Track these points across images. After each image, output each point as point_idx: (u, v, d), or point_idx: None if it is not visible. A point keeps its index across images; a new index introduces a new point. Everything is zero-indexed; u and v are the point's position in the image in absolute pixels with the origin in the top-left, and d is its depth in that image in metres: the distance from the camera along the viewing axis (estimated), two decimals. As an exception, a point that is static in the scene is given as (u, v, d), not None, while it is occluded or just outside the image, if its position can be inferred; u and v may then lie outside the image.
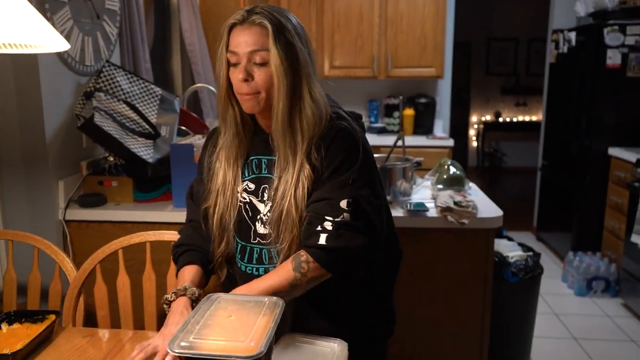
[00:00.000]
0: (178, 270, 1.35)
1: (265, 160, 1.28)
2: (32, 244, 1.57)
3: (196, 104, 3.41)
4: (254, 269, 1.30)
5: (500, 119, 8.03)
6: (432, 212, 1.97)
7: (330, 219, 1.15)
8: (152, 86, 2.28)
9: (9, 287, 1.56)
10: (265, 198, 1.27)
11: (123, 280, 1.56)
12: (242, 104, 1.21)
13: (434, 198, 2.09)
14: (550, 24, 4.60)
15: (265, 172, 1.28)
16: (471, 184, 2.41)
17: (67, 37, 2.02)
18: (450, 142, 4.13)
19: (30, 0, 1.80)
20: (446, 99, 4.64)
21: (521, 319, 2.20)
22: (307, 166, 1.18)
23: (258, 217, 1.28)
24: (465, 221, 1.90)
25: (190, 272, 1.31)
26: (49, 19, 1.91)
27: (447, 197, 1.98)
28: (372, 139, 4.14)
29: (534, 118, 7.90)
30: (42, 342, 1.30)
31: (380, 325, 1.41)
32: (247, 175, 1.30)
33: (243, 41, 1.14)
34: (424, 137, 4.25)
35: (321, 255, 1.15)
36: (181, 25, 3.25)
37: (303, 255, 1.16)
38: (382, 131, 4.42)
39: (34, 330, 1.32)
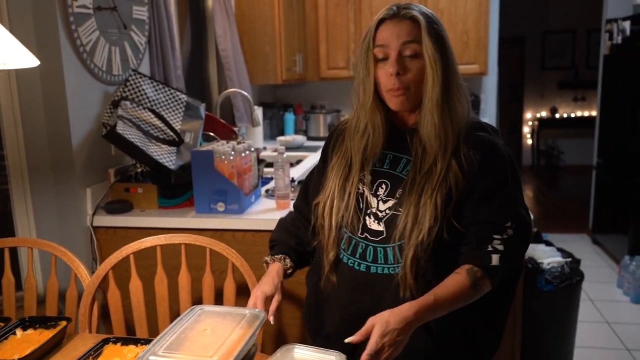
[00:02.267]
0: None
1: (391, 156, 1.26)
2: (50, 252, 1.61)
3: (230, 109, 3.44)
4: (356, 263, 1.25)
5: (557, 115, 7.67)
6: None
7: (499, 237, 1.16)
8: (178, 93, 2.31)
9: (29, 293, 1.62)
10: (379, 194, 1.24)
11: (135, 285, 1.58)
12: (389, 101, 1.19)
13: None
14: (604, 13, 4.33)
15: (387, 167, 1.25)
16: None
17: (93, 48, 2.08)
18: (495, 141, 3.96)
19: (54, 13, 1.89)
20: (492, 96, 4.47)
21: (558, 329, 2.07)
22: (455, 166, 1.15)
23: (369, 211, 1.24)
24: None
25: (274, 267, 1.35)
26: (74, 31, 1.97)
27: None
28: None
29: (593, 113, 7.47)
30: (52, 348, 1.33)
31: (483, 350, 1.33)
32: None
33: (395, 34, 1.15)
34: (467, 137, 4.11)
35: (495, 275, 1.17)
36: (215, 30, 3.29)
37: (479, 272, 1.16)
38: (424, 131, 4.31)
39: (46, 336, 1.35)
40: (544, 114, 7.75)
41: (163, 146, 2.13)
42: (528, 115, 7.83)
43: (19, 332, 1.37)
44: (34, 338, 1.35)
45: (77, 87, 2.02)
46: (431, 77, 1.14)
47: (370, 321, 1.05)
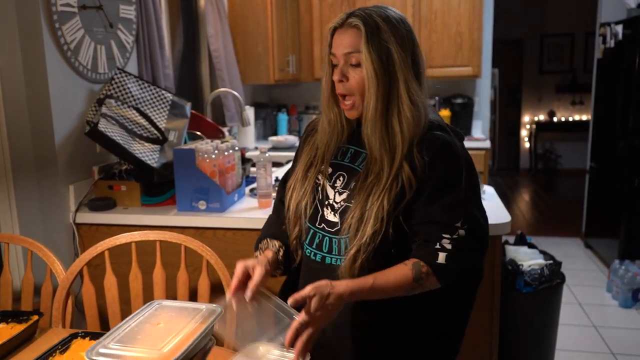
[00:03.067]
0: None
1: (352, 150, 1.29)
2: (26, 247, 1.63)
3: (221, 109, 3.45)
4: (313, 253, 1.28)
5: (555, 119, 7.67)
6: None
7: (448, 236, 1.16)
8: (163, 92, 2.33)
9: (4, 289, 1.63)
10: (337, 185, 1.27)
11: (110, 281, 1.59)
12: (344, 111, 1.25)
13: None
14: (598, 16, 4.34)
15: (348, 160, 1.28)
16: (487, 188, 2.30)
17: (78, 47, 2.10)
18: (487, 144, 3.97)
19: (37, 11, 1.90)
20: (485, 99, 4.47)
21: (537, 331, 2.07)
22: (406, 168, 1.16)
23: (327, 202, 1.27)
24: (467, 227, 1.80)
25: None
26: (57, 30, 1.98)
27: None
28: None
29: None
30: (23, 341, 1.34)
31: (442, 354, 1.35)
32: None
33: (340, 43, 1.18)
34: (459, 139, 4.10)
35: (441, 272, 1.17)
36: (207, 30, 3.30)
37: (424, 267, 1.16)
38: (417, 133, 4.31)
39: (17, 330, 1.36)
40: (541, 117, 7.74)
41: (146, 144, 2.14)
42: (526, 118, 7.83)
43: (-10, 326, 1.39)
44: (6, 332, 1.36)
45: (61, 85, 2.03)
46: (370, 88, 1.16)
47: (312, 290, 1.05)
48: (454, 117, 4.28)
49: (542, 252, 2.29)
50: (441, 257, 1.16)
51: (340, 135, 1.29)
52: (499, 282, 1.90)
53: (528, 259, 2.19)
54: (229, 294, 1.11)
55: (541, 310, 2.07)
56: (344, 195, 1.24)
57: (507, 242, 2.36)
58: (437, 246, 1.16)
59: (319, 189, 1.29)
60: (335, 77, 1.20)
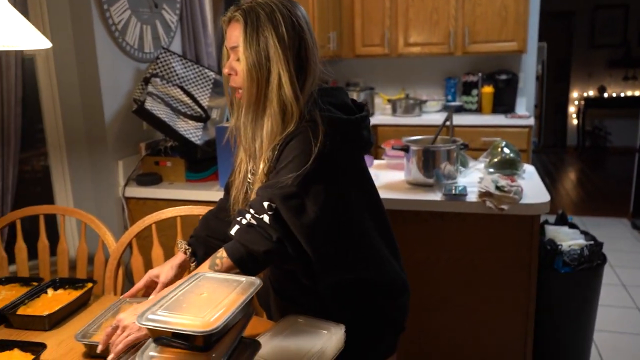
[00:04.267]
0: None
1: None
2: (79, 219, 1.73)
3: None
4: None
5: (605, 95, 7.37)
6: (472, 197, 1.89)
7: (252, 212, 1.14)
8: (206, 70, 2.39)
9: (61, 257, 1.75)
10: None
11: (157, 252, 1.68)
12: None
13: (480, 182, 2.01)
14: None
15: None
16: (527, 167, 2.27)
17: (125, 27, 2.17)
18: (531, 121, 3.88)
19: (88, -7, 1.98)
20: (530, 74, 4.35)
21: (576, 312, 2.06)
22: (267, 164, 1.17)
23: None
24: (505, 207, 1.80)
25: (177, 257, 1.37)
26: (105, 11, 2.06)
27: (489, 181, 1.89)
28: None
29: (646, 93, 7.16)
30: (79, 307, 1.45)
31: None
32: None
33: (228, 37, 1.18)
34: (502, 116, 4.03)
35: (231, 248, 1.15)
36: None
37: (220, 251, 1.16)
38: (459, 110, 4.25)
39: (74, 296, 1.47)
40: (591, 93, 7.46)
41: (190, 122, 2.22)
42: (574, 94, 7.56)
43: (50, 291, 1.49)
44: (63, 297, 1.47)
45: (109, 65, 2.12)
46: (245, 83, 1.14)
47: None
48: (497, 94, 4.20)
49: (583, 232, 2.26)
50: (234, 229, 1.15)
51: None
52: (535, 262, 1.90)
53: (568, 239, 2.16)
54: (124, 296, 1.33)
55: (580, 291, 2.05)
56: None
57: (547, 222, 2.34)
58: (238, 218, 1.15)
59: (249, 187, 1.31)
60: (225, 71, 1.19)
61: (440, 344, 2.04)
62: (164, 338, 0.92)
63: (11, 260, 1.82)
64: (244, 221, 1.14)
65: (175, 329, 0.89)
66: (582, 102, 7.39)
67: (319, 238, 1.18)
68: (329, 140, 1.12)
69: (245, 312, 1.02)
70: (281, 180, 1.12)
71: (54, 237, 1.81)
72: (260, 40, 1.13)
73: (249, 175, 1.31)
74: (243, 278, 1.06)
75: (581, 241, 2.16)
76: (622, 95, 7.33)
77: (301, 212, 1.13)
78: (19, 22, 0.85)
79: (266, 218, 1.12)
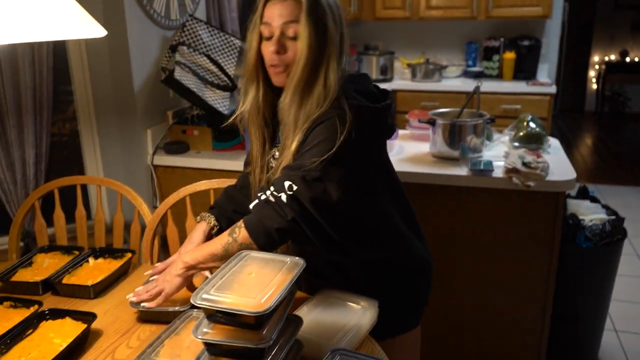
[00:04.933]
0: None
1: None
2: (115, 189, 1.78)
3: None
4: None
5: (627, 59, 7.22)
6: (498, 172, 1.91)
7: (272, 190, 1.16)
8: (232, 38, 2.38)
9: (98, 226, 1.80)
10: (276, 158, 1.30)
11: (191, 223, 1.73)
12: (272, 77, 1.23)
13: (506, 156, 2.02)
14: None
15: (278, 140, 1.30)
16: (553, 141, 2.28)
17: (152, -6, 2.16)
18: (553, 89, 3.83)
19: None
20: (554, 40, 4.27)
21: (595, 285, 2.11)
22: (298, 143, 1.18)
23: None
24: (531, 184, 1.82)
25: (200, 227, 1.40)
26: (134, -22, 2.05)
27: (516, 157, 1.91)
28: (467, 84, 3.97)
29: (669, 58, 7.01)
30: (119, 276, 1.51)
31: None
32: (277, 142, 1.33)
33: (278, 13, 1.16)
34: (523, 83, 3.98)
35: (248, 220, 1.17)
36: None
37: (240, 222, 1.19)
38: (479, 75, 4.21)
39: (114, 265, 1.53)
40: (612, 57, 7.31)
41: (217, 91, 2.23)
42: (595, 58, 7.41)
43: (91, 260, 1.56)
44: (104, 266, 1.53)
45: (137, 33, 2.12)
46: (300, 60, 1.14)
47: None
48: (519, 60, 4.13)
49: (604, 206, 2.28)
50: (253, 204, 1.17)
51: (267, 114, 1.28)
52: (558, 236, 1.93)
53: (590, 213, 2.19)
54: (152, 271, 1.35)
55: (600, 265, 2.09)
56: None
57: (569, 195, 2.36)
58: (259, 194, 1.17)
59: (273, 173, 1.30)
60: (272, 48, 1.16)
61: (463, 314, 2.11)
62: (217, 315, 0.97)
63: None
64: (263, 197, 1.17)
65: (229, 309, 0.93)
66: (603, 66, 7.25)
67: (342, 222, 1.22)
68: (354, 128, 1.14)
69: (291, 291, 1.07)
70: (305, 164, 1.13)
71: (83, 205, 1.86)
72: (318, 18, 1.14)
73: (272, 161, 1.32)
74: (287, 258, 1.11)
75: (602, 216, 2.18)
76: (645, 59, 7.18)
77: (323, 196, 1.15)
78: (74, 10, 0.87)
79: (284, 197, 1.14)
